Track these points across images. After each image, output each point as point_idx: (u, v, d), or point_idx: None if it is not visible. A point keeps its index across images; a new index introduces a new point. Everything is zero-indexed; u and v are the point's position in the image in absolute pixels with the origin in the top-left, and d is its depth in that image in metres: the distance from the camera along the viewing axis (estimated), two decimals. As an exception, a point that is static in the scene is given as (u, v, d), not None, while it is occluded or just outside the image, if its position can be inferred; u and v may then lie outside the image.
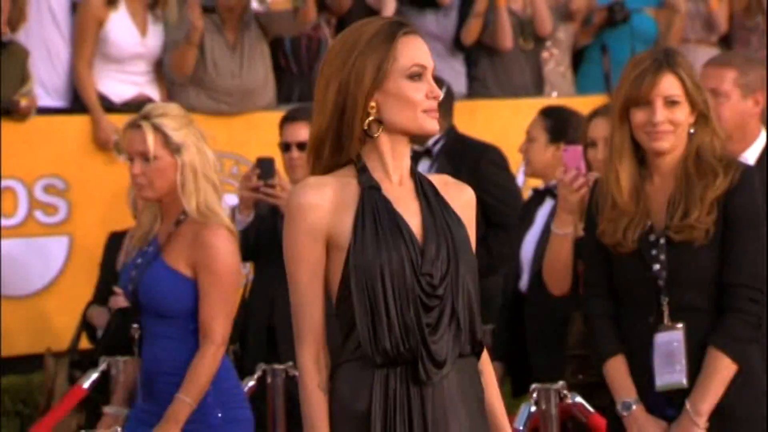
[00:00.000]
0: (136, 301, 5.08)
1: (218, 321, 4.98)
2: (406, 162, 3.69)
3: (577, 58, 10.07)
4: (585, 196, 5.10)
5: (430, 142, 7.11)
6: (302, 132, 6.48)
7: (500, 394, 3.81)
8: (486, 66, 9.57)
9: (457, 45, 9.57)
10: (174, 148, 5.05)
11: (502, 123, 8.69)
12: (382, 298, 3.55)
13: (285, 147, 6.69)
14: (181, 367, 4.96)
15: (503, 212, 7.04)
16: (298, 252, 3.61)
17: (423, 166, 7.00)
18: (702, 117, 4.63)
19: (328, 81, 3.62)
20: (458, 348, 3.62)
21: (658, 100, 4.59)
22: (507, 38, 9.43)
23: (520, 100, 9.41)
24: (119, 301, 6.54)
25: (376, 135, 3.63)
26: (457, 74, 9.49)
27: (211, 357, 4.96)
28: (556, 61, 9.80)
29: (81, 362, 6.88)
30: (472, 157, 7.11)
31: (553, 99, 9.59)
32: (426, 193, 3.68)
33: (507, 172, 7.29)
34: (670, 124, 4.60)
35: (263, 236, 6.59)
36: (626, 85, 4.63)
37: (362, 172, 3.64)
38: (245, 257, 6.83)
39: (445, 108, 7.12)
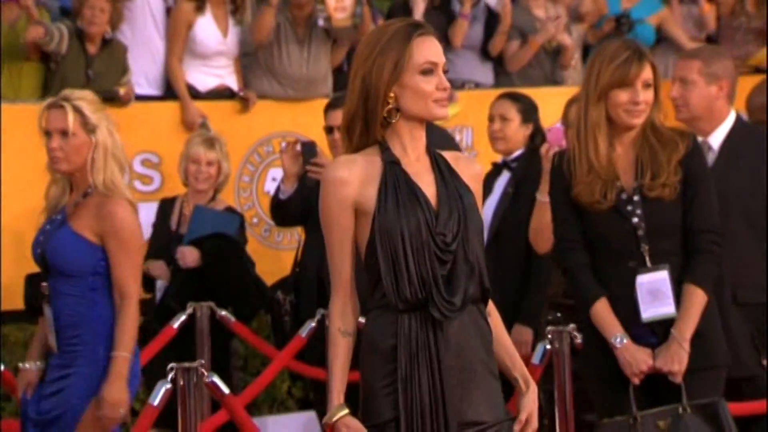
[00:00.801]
0: (44, 262, 4.92)
1: (131, 280, 4.83)
2: (423, 141, 3.71)
3: (585, 55, 9.92)
4: None
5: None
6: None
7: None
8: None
9: (484, 53, 9.42)
10: (90, 129, 4.89)
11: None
12: (402, 255, 3.58)
13: (328, 130, 6.65)
14: (82, 321, 4.81)
15: None
16: (331, 219, 3.65)
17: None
18: (656, 98, 4.74)
19: (356, 72, 3.66)
20: (469, 293, 3.62)
21: (639, 84, 4.67)
22: (496, 50, 9.34)
23: (540, 89, 9.26)
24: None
25: (394, 120, 3.65)
26: (485, 70, 9.38)
27: (132, 311, 4.81)
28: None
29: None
30: None
31: (568, 89, 9.45)
32: (440, 167, 3.70)
33: None
34: (645, 104, 4.69)
35: (312, 204, 6.48)
36: (609, 71, 4.69)
37: (385, 150, 3.67)
38: (289, 222, 6.76)
39: None
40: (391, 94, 3.62)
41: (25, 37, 7.86)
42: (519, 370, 3.75)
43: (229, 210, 7.12)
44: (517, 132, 6.55)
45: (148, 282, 6.78)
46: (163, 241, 6.95)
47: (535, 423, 3.71)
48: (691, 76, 5.39)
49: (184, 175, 7.02)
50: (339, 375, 3.63)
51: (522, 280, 6.35)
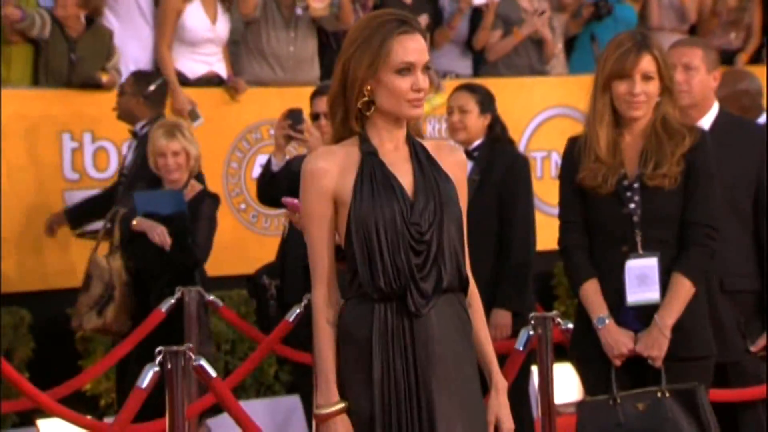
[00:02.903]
0: None
1: None
2: (402, 132, 3.67)
3: (569, 45, 9.90)
4: None
5: (138, 125, 7.21)
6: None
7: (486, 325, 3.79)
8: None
9: (467, 46, 9.44)
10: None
11: (507, 99, 8.53)
12: (377, 245, 3.55)
13: (314, 117, 6.63)
14: None
15: None
16: (311, 210, 3.62)
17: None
18: (667, 90, 4.71)
19: (339, 58, 3.64)
20: (443, 284, 3.59)
21: (638, 75, 4.65)
22: (481, 44, 9.36)
23: (524, 78, 9.25)
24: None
25: (368, 113, 3.62)
26: (466, 61, 9.44)
27: None
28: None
29: None
30: None
31: (552, 78, 9.44)
32: (418, 156, 3.66)
33: None
34: (645, 96, 4.66)
35: (298, 188, 6.47)
36: (611, 61, 4.69)
37: (363, 141, 3.64)
38: (276, 200, 6.72)
39: (158, 99, 7.37)
40: (368, 87, 3.59)
41: (2, 19, 7.85)
42: (488, 368, 3.71)
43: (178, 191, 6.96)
44: (477, 122, 6.59)
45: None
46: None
47: (508, 423, 3.68)
48: (695, 63, 5.40)
49: (155, 167, 6.91)
50: (331, 366, 3.59)
51: (495, 265, 6.38)
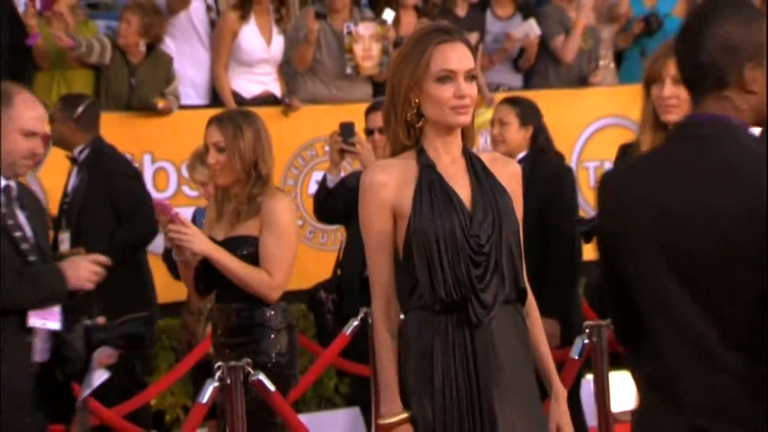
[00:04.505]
0: None
1: None
2: (458, 143, 3.68)
3: (618, 57, 9.85)
4: None
5: (76, 151, 7.08)
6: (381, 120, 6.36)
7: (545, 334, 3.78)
8: (547, 62, 9.32)
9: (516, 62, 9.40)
10: None
11: (558, 111, 8.49)
12: (437, 257, 3.55)
13: (368, 132, 6.63)
14: None
15: (131, 212, 6.98)
16: (370, 223, 3.63)
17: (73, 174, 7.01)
18: None
19: (389, 75, 3.68)
20: (503, 295, 3.59)
21: (668, 79, 4.56)
22: (572, 54, 9.22)
23: (574, 90, 9.22)
24: None
25: (418, 125, 3.63)
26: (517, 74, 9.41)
27: None
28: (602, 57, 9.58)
29: None
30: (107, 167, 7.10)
31: (602, 88, 9.40)
32: (475, 169, 3.66)
33: (139, 182, 7.24)
34: (676, 99, 4.55)
35: (354, 204, 6.48)
36: (647, 66, 4.69)
37: (420, 153, 3.64)
38: (333, 216, 6.74)
39: (89, 121, 7.13)
40: (416, 99, 3.60)
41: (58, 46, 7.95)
42: (548, 377, 3.71)
43: None
44: (517, 135, 6.54)
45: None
46: None
47: (569, 431, 3.68)
48: None
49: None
50: (393, 377, 3.59)
51: (537, 275, 6.33)
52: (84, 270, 4.44)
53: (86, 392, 4.47)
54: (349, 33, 8.50)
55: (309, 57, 8.52)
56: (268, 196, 4.97)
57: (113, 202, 7.02)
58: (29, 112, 4.48)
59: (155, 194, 7.87)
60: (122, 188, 7.06)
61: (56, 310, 4.41)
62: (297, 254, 7.69)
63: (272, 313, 4.93)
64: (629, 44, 9.76)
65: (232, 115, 5.23)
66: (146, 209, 6.72)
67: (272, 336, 4.91)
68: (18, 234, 4.43)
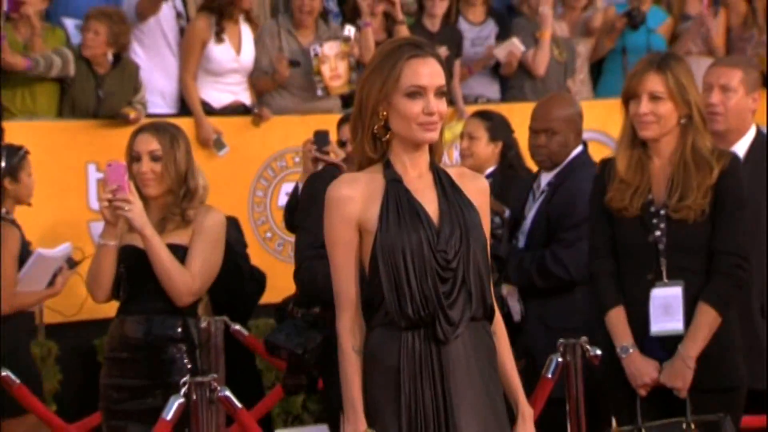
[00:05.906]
0: None
1: None
2: (425, 158, 3.62)
3: (597, 69, 9.84)
4: None
5: None
6: None
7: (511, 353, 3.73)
8: (522, 76, 9.27)
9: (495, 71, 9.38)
10: None
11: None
12: (404, 273, 3.51)
13: (341, 144, 6.54)
14: None
15: None
16: (335, 237, 3.57)
17: None
18: (696, 115, 4.57)
19: (357, 86, 3.64)
20: (470, 312, 3.55)
21: (644, 95, 4.54)
22: (543, 67, 9.18)
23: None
24: None
25: (384, 138, 3.58)
26: (495, 85, 9.38)
27: None
28: (577, 71, 9.55)
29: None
30: None
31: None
32: (443, 184, 3.62)
33: None
34: (653, 116, 4.54)
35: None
36: (626, 81, 4.65)
37: (387, 167, 3.60)
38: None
39: None
40: (384, 113, 3.55)
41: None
42: (514, 396, 3.67)
43: None
44: (485, 149, 6.53)
45: None
46: None
47: None
48: (732, 84, 5.24)
49: None
50: (358, 394, 3.55)
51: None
52: None
53: None
54: (316, 55, 8.49)
55: (271, 89, 8.55)
56: (205, 208, 4.99)
57: None
58: None
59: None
60: None
61: None
62: (265, 267, 7.67)
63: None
64: (614, 45, 9.70)
65: (165, 125, 5.18)
66: None
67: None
68: None
